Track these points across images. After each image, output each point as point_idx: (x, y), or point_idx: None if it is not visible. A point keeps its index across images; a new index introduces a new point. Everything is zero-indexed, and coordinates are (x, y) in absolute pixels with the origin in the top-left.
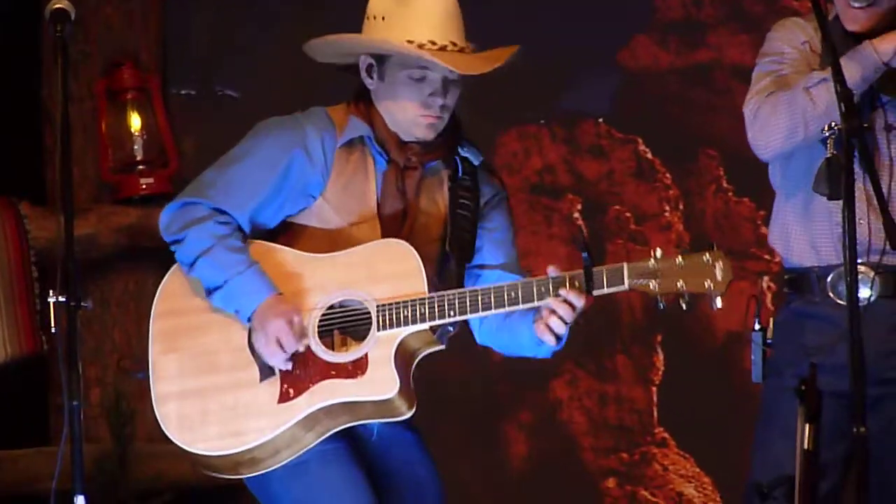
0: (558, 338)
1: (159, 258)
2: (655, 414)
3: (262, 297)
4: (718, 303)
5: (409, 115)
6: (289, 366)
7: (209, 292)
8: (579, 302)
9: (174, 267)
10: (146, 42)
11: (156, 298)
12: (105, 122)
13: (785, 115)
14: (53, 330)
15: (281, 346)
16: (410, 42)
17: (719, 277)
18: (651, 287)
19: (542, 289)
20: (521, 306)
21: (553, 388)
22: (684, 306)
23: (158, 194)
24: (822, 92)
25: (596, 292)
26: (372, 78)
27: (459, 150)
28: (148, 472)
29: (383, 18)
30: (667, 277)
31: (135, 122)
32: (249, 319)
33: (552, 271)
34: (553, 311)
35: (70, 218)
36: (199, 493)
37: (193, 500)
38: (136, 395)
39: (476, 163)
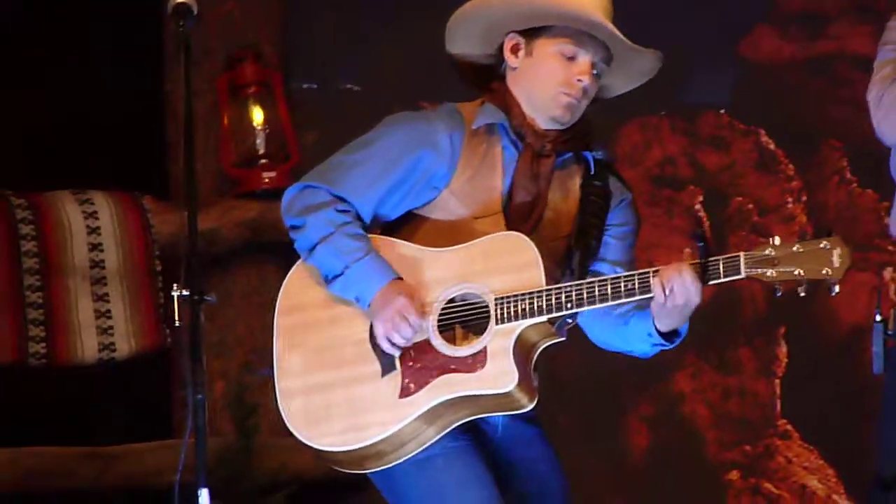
0: (672, 333)
1: (282, 252)
2: (779, 406)
3: (383, 282)
4: (836, 289)
5: (550, 92)
6: (408, 343)
7: (328, 280)
8: (690, 281)
9: (298, 263)
10: (268, 36)
11: (280, 294)
12: (227, 116)
13: None
14: (177, 324)
15: (406, 320)
16: None
17: (836, 264)
18: (768, 275)
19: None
20: (637, 297)
21: (676, 381)
22: (802, 293)
23: (280, 188)
24: None
25: (712, 282)
26: (517, 56)
27: (592, 148)
28: (272, 465)
29: None
30: (784, 265)
31: (257, 116)
32: (370, 305)
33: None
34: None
35: (193, 212)
36: (322, 486)
37: (317, 493)
38: (260, 388)
39: (608, 163)
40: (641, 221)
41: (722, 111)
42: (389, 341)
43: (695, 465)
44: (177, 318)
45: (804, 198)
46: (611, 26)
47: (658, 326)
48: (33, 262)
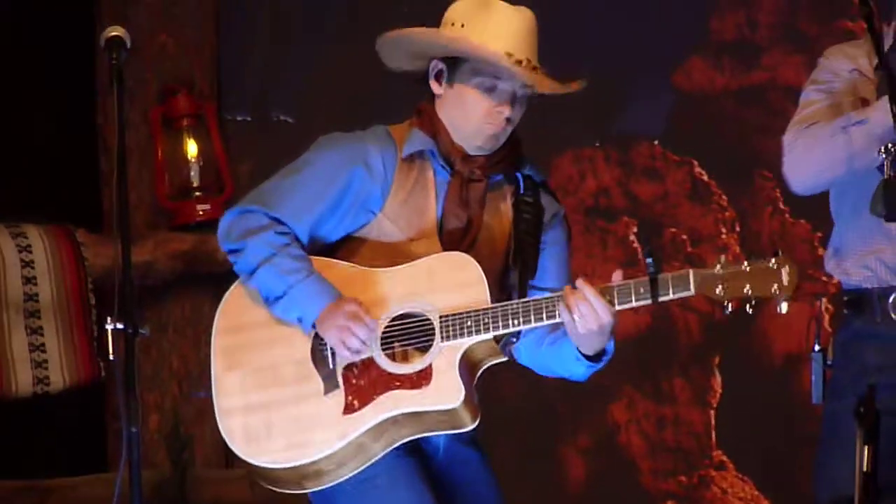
0: (598, 354)
1: (216, 283)
2: (714, 436)
3: (325, 301)
4: (784, 307)
5: (474, 124)
6: (363, 352)
7: (269, 302)
8: (599, 304)
9: (234, 284)
10: (201, 69)
11: (217, 315)
12: (161, 148)
13: (819, 153)
14: (111, 357)
15: (361, 320)
16: None
17: (786, 281)
18: (717, 292)
19: (608, 296)
20: None
21: (611, 411)
22: (750, 311)
23: (215, 220)
24: (860, 135)
25: (662, 299)
26: (440, 84)
27: (521, 168)
28: (206, 497)
29: (462, 25)
30: (733, 282)
31: (191, 148)
32: (313, 326)
33: (617, 277)
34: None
35: (127, 245)
36: None
37: None
38: (194, 421)
39: (538, 180)
40: (572, 235)
41: (655, 142)
42: (346, 347)
43: (630, 495)
44: (110, 351)
45: (737, 228)
46: (522, 74)
47: (581, 350)
48: None
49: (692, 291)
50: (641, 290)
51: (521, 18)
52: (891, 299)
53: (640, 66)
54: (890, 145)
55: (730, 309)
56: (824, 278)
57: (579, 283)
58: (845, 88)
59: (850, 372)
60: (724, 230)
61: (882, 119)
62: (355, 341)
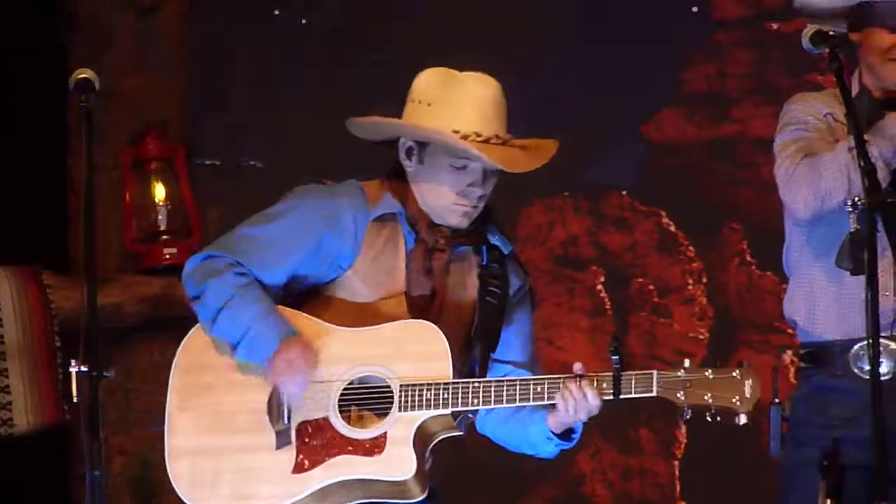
0: (568, 432)
1: (183, 328)
2: (678, 487)
3: (280, 339)
4: (743, 419)
5: (445, 202)
6: (305, 389)
7: (233, 348)
8: (595, 402)
9: (199, 323)
10: (173, 112)
11: (178, 351)
12: (129, 191)
13: (827, 174)
14: (76, 399)
15: (299, 368)
16: (456, 132)
17: (748, 395)
18: (678, 397)
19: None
20: (545, 401)
21: (576, 462)
22: (709, 419)
23: (182, 264)
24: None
25: (623, 396)
26: (411, 160)
27: (489, 237)
28: None
29: (429, 104)
30: (695, 388)
31: (159, 192)
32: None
33: (578, 369)
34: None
35: (93, 287)
36: None
37: None
38: (162, 465)
39: (506, 251)
40: (538, 304)
41: (624, 192)
42: (292, 383)
43: None
44: (75, 393)
45: (704, 279)
46: (490, 159)
47: (553, 429)
48: None
49: (654, 393)
50: (605, 386)
51: (486, 89)
52: (852, 352)
53: (610, 117)
54: (857, 198)
55: (689, 415)
56: (790, 331)
57: (577, 381)
58: (824, 128)
59: (810, 425)
60: (691, 281)
61: (874, 148)
62: (300, 380)
